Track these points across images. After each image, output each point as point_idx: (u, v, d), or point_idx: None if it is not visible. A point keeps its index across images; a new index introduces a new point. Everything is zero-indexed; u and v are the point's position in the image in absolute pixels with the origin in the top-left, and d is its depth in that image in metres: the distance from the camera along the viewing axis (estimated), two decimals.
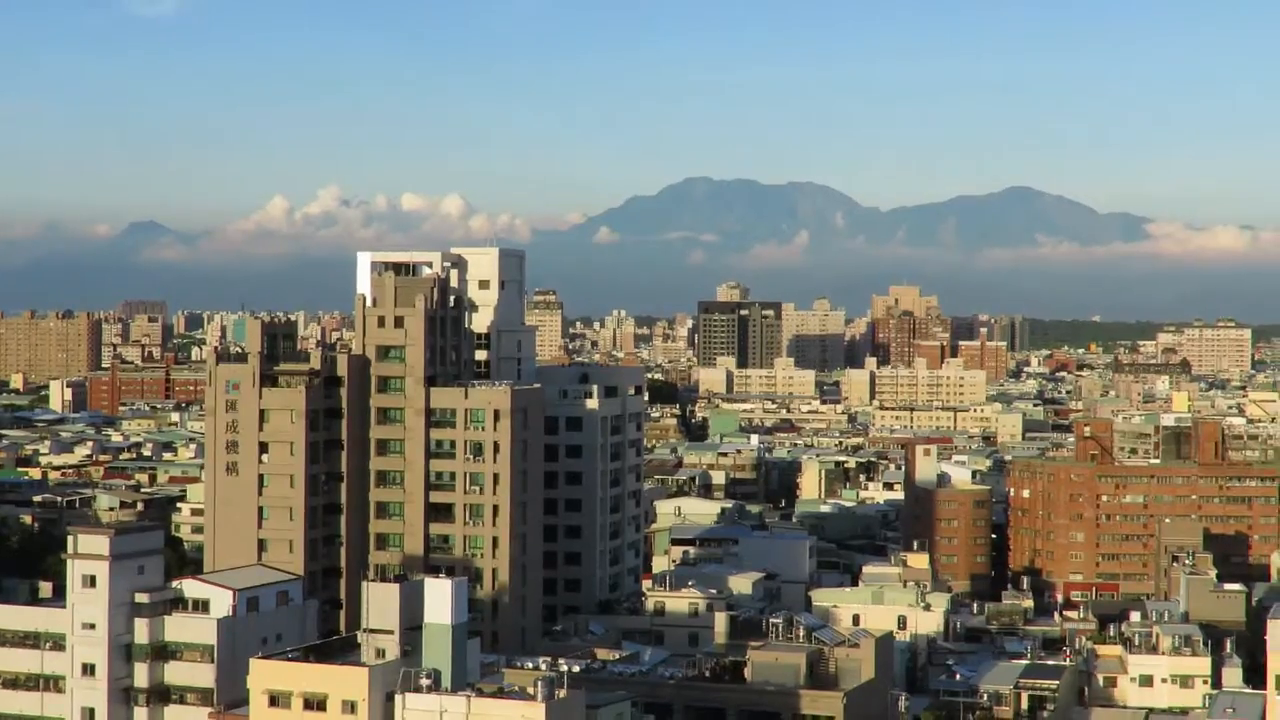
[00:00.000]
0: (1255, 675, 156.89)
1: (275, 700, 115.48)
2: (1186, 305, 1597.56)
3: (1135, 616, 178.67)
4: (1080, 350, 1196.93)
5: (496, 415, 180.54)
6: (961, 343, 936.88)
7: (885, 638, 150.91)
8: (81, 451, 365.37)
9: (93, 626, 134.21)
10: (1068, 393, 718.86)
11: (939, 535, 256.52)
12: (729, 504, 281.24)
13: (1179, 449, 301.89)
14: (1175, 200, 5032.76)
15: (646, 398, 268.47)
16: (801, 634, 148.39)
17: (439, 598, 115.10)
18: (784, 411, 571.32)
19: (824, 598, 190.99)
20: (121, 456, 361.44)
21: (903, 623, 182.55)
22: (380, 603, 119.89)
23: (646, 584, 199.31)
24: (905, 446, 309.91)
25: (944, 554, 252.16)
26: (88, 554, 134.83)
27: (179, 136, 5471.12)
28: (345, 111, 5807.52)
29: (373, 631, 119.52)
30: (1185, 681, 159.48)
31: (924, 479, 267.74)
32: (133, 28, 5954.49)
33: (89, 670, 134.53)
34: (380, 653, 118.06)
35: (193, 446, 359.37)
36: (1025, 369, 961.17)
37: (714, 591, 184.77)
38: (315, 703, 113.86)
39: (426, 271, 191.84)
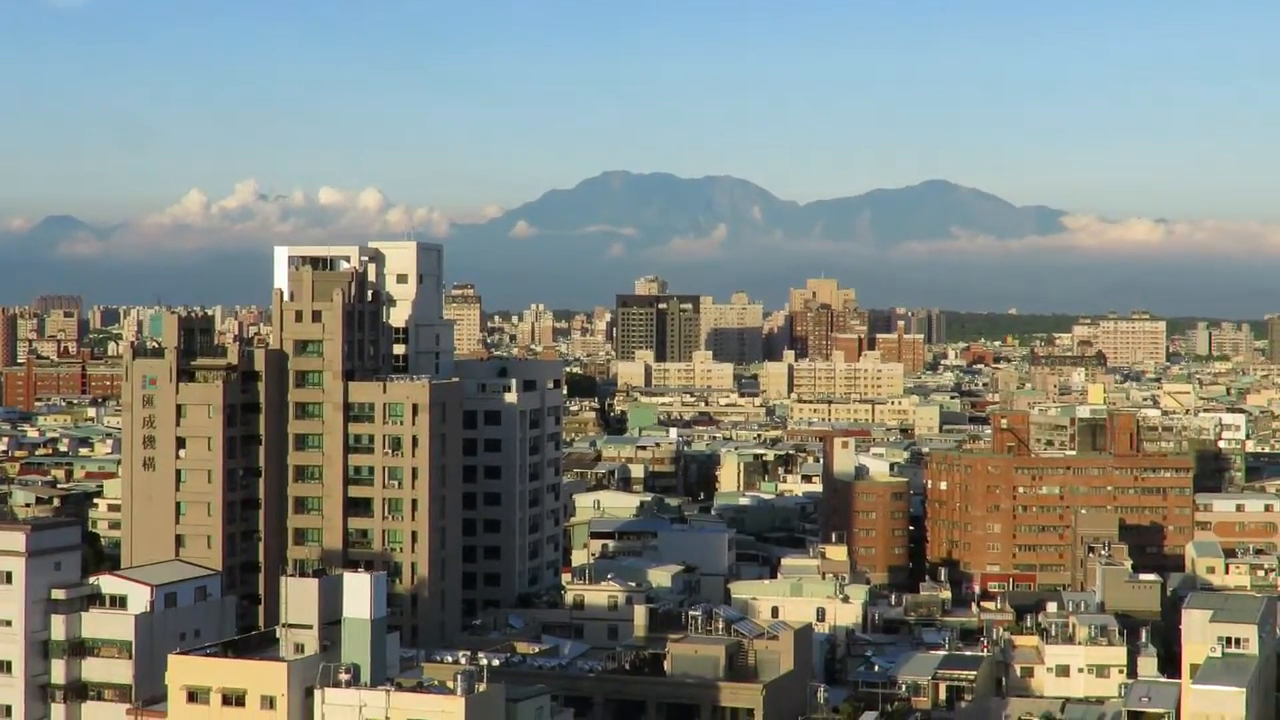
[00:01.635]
0: (1170, 664, 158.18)
1: (194, 696, 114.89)
2: (1102, 298, 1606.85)
3: (1052, 607, 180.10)
4: (997, 343, 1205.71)
5: (415, 409, 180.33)
6: (879, 335, 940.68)
7: (804, 630, 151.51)
8: None
9: (9, 623, 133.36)
10: (984, 385, 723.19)
11: (857, 527, 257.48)
12: (648, 497, 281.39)
13: (1094, 440, 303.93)
14: (1090, 193, 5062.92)
15: (565, 391, 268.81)
16: (720, 626, 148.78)
17: (358, 592, 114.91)
18: (702, 405, 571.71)
19: (743, 590, 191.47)
20: (37, 452, 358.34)
21: (821, 615, 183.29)
22: (299, 598, 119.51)
23: (566, 577, 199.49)
24: (823, 439, 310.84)
25: (862, 546, 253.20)
26: (3, 550, 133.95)
27: (94, 129, 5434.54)
28: (263, 105, 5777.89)
29: (291, 626, 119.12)
30: (1101, 671, 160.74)
31: (842, 471, 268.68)
32: (46, 19, 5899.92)
33: (5, 667, 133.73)
34: (299, 648, 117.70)
35: (109, 442, 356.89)
36: (942, 361, 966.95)
37: (633, 585, 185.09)
38: (234, 698, 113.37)
39: (344, 266, 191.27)
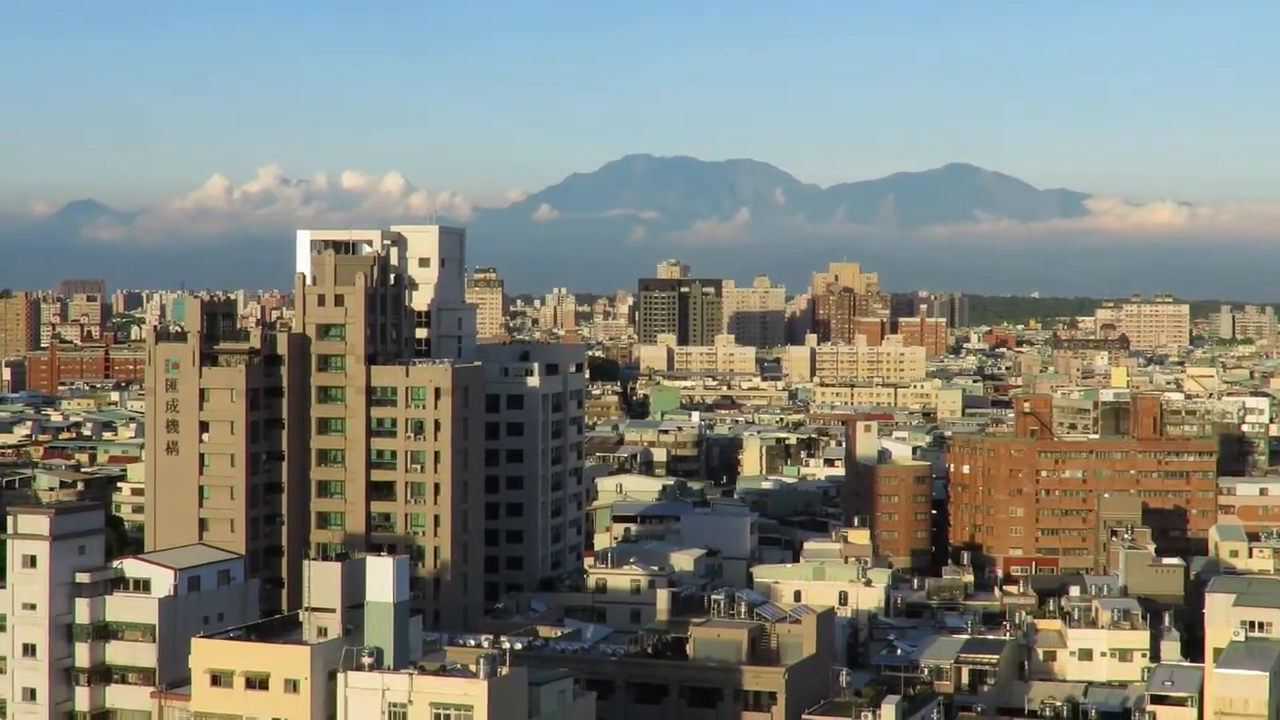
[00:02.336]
0: (1193, 648, 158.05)
1: (217, 679, 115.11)
2: (1125, 281, 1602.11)
3: (1074, 591, 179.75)
4: (1019, 326, 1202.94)
5: (437, 393, 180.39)
6: (901, 319, 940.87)
7: (826, 614, 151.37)
8: (21, 431, 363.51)
9: (33, 607, 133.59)
10: (1007, 369, 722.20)
11: (880, 511, 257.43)
12: (670, 481, 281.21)
13: (1118, 424, 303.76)
14: (1114, 177, 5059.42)
15: (587, 375, 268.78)
16: (743, 610, 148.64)
17: (381, 576, 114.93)
18: (725, 388, 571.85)
19: (765, 574, 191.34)
20: (61, 436, 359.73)
21: (844, 598, 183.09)
22: (322, 581, 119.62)
23: (588, 561, 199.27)
24: (846, 423, 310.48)
25: (885, 530, 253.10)
26: (28, 534, 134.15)
27: (117, 114, 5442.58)
28: (286, 90, 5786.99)
29: (314, 610, 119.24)
30: (1124, 655, 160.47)
31: (865, 455, 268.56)
32: (70, 5, 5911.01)
33: (30, 651, 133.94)
34: (322, 631, 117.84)
35: (133, 426, 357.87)
36: (965, 345, 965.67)
37: (655, 568, 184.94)
38: (257, 681, 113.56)
39: (366, 250, 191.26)
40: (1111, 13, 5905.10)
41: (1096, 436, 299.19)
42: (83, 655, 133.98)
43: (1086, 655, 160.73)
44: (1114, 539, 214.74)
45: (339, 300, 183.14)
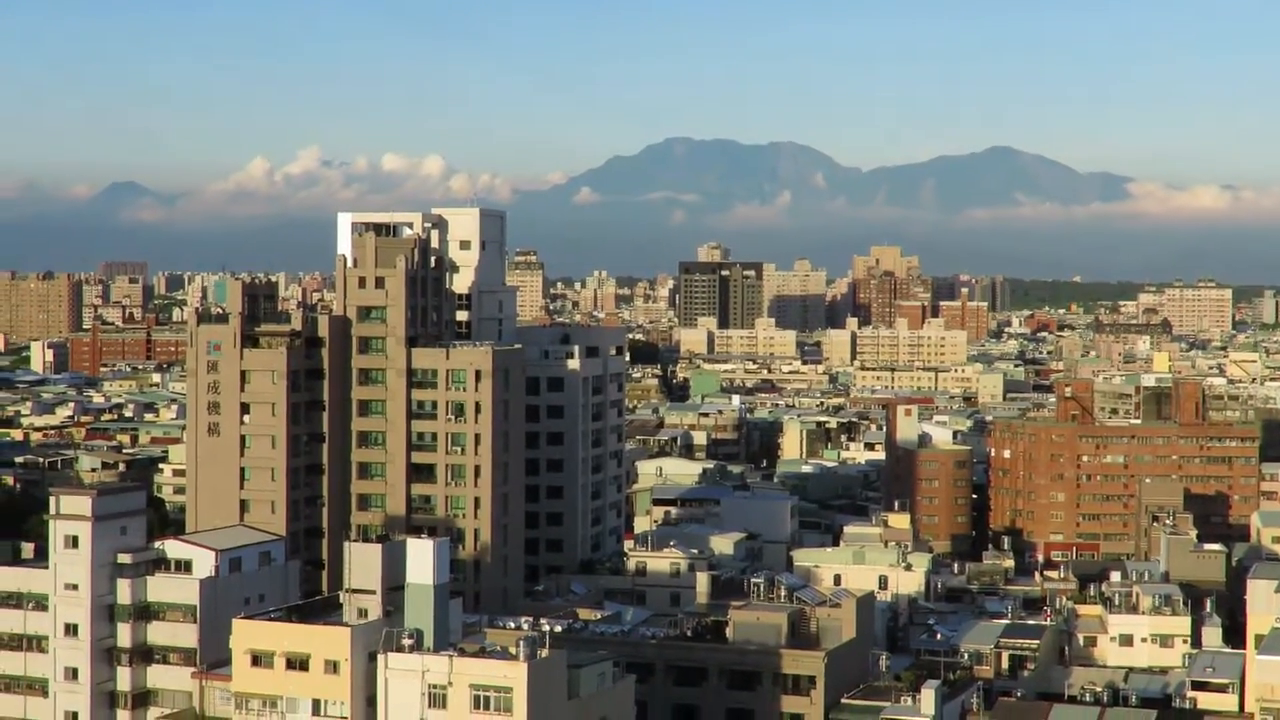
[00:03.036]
0: (1234, 635, 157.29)
1: (258, 660, 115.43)
2: (1167, 265, 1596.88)
3: (1115, 576, 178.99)
4: (1061, 310, 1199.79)
5: (478, 376, 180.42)
6: (942, 303, 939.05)
7: (866, 597, 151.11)
8: (63, 413, 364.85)
9: (75, 587, 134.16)
10: (1048, 353, 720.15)
11: (920, 495, 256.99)
12: (710, 464, 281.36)
13: (1159, 409, 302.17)
14: (1156, 160, 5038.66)
15: (628, 358, 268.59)
16: (783, 594, 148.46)
17: (421, 558, 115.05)
18: (765, 372, 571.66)
19: (805, 558, 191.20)
20: (103, 417, 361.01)
21: (884, 583, 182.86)
22: (362, 563, 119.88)
23: (628, 544, 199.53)
24: (886, 407, 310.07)
25: (925, 514, 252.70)
26: (70, 515, 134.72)
27: (159, 96, 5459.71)
28: (326, 72, 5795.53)
29: (355, 592, 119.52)
30: (1165, 641, 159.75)
31: (905, 439, 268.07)
32: None
33: (72, 630, 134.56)
34: (362, 613, 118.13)
35: (174, 407, 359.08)
36: (1006, 329, 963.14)
37: (695, 552, 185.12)
38: (298, 662, 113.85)
39: (407, 232, 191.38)
40: None
41: (1138, 422, 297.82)
42: (124, 635, 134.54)
43: (1127, 641, 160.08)
44: (1155, 524, 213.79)
45: (380, 283, 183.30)
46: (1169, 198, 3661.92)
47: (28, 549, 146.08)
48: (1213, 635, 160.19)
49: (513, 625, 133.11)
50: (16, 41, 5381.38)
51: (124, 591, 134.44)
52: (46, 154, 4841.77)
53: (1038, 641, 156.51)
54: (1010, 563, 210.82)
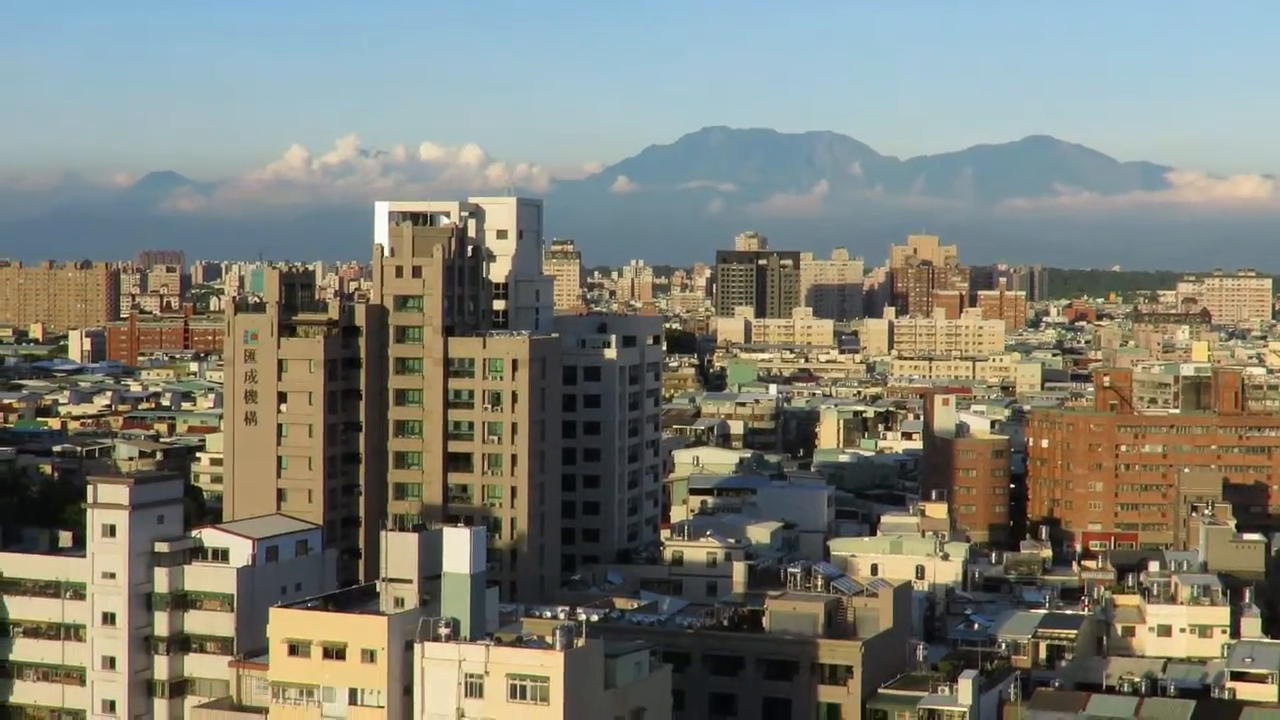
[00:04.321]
0: (1274, 625, 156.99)
1: (295, 649, 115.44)
2: (1207, 255, 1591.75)
3: (1154, 566, 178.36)
4: (1099, 300, 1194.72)
5: (515, 365, 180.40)
6: (980, 292, 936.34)
7: (903, 587, 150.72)
8: (100, 401, 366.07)
9: (113, 576, 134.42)
10: (1087, 342, 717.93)
11: (957, 485, 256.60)
12: (747, 454, 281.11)
13: (1199, 399, 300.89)
14: (1196, 149, 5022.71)
15: (664, 347, 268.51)
16: (819, 583, 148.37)
17: (458, 547, 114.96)
18: (802, 361, 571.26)
19: (842, 547, 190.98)
20: (140, 406, 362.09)
21: (921, 572, 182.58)
22: (399, 552, 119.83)
23: (665, 534, 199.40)
24: (924, 396, 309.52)
25: (962, 504, 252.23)
26: (108, 504, 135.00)
27: (197, 85, 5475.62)
28: (364, 61, 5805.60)
29: (392, 581, 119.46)
30: (1204, 631, 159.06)
31: (942, 429, 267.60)
32: None
33: (109, 619, 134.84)
34: (399, 602, 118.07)
35: (211, 396, 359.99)
36: (1044, 319, 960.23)
37: (732, 541, 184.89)
38: (335, 651, 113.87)
39: (444, 221, 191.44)
40: None
41: (1177, 411, 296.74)
42: (161, 624, 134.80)
43: (1166, 631, 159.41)
44: (1194, 514, 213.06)
45: (417, 272, 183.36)
46: (1209, 187, 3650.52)
47: (65, 538, 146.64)
48: (1251, 625, 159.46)
49: (549, 614, 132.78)
50: (56, 32, 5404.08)
51: (161, 580, 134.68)
52: (86, 144, 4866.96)
53: (1075, 631, 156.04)
54: (1048, 552, 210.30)
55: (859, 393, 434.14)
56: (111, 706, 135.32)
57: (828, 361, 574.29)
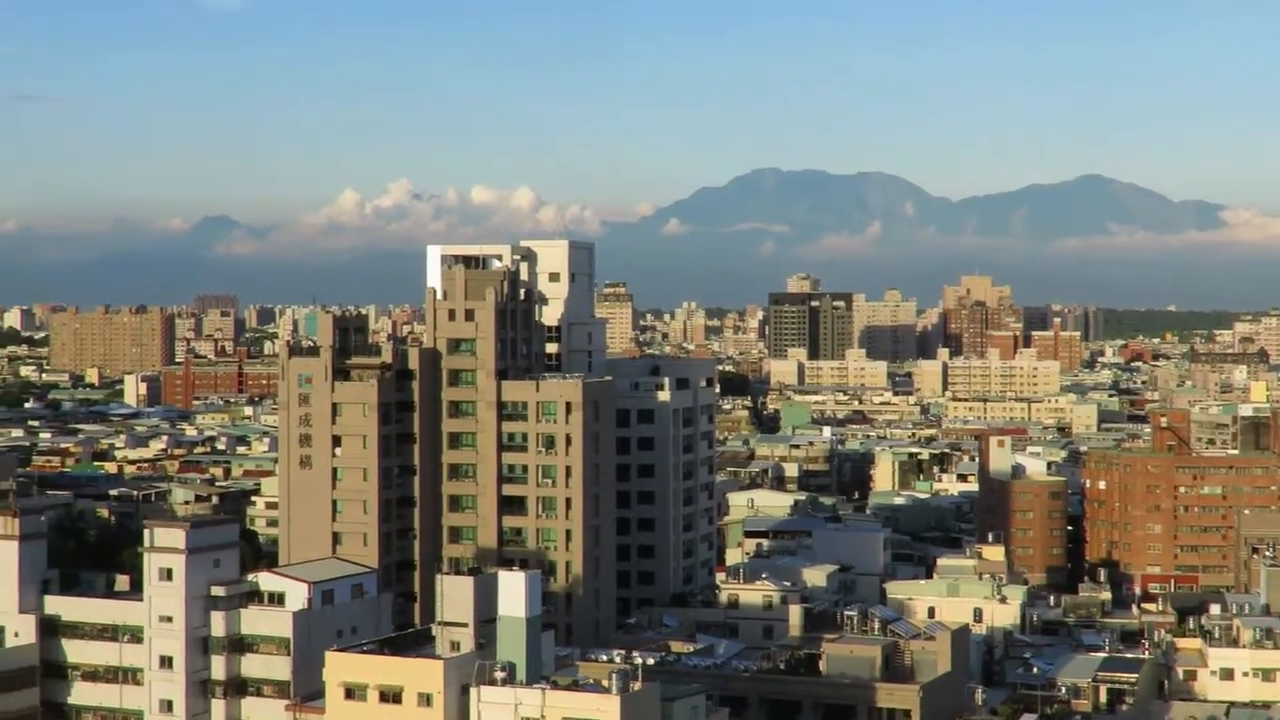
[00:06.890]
0: None
1: (351, 693, 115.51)
2: (1263, 293, 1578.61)
3: (1215, 609, 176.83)
4: (1155, 340, 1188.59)
5: (568, 408, 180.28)
6: (1034, 333, 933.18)
7: (961, 630, 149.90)
8: (156, 445, 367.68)
9: (170, 619, 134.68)
10: (1143, 383, 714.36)
11: (1014, 527, 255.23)
12: (802, 496, 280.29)
13: (1257, 439, 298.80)
14: (1251, 187, 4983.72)
15: (718, 390, 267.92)
16: (876, 626, 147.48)
17: (513, 591, 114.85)
18: (856, 403, 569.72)
19: (899, 590, 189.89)
20: (196, 450, 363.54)
21: (978, 615, 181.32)
22: (454, 596, 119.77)
23: (720, 576, 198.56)
24: (979, 438, 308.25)
25: (1019, 546, 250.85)
26: (164, 547, 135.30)
27: (250, 130, 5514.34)
28: (416, 105, 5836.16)
29: (447, 624, 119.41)
30: (1267, 675, 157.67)
31: (998, 470, 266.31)
32: (203, 21, 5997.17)
33: (167, 663, 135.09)
34: (455, 645, 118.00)
35: (266, 440, 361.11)
36: (1100, 359, 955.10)
37: (788, 584, 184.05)
38: (391, 695, 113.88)
39: (496, 264, 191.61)
40: (1247, 19, 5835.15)
41: (1236, 452, 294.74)
42: (218, 668, 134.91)
43: (1228, 675, 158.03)
44: (1255, 556, 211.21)
45: (469, 315, 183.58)
46: (1265, 225, 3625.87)
47: (122, 581, 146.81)
48: None
49: (605, 658, 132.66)
50: (110, 78, 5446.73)
51: (218, 624, 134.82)
52: (141, 189, 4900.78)
53: (1136, 675, 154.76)
54: (1107, 595, 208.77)
55: (913, 434, 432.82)
56: None
57: (881, 403, 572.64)
